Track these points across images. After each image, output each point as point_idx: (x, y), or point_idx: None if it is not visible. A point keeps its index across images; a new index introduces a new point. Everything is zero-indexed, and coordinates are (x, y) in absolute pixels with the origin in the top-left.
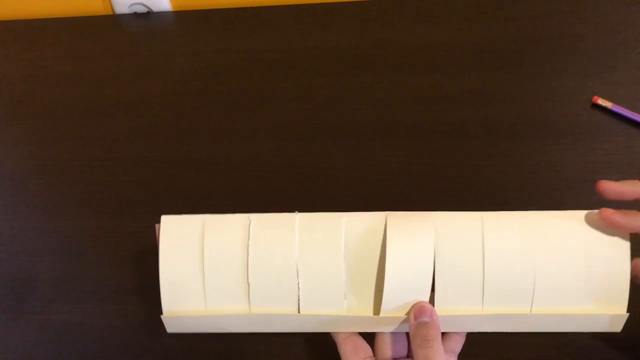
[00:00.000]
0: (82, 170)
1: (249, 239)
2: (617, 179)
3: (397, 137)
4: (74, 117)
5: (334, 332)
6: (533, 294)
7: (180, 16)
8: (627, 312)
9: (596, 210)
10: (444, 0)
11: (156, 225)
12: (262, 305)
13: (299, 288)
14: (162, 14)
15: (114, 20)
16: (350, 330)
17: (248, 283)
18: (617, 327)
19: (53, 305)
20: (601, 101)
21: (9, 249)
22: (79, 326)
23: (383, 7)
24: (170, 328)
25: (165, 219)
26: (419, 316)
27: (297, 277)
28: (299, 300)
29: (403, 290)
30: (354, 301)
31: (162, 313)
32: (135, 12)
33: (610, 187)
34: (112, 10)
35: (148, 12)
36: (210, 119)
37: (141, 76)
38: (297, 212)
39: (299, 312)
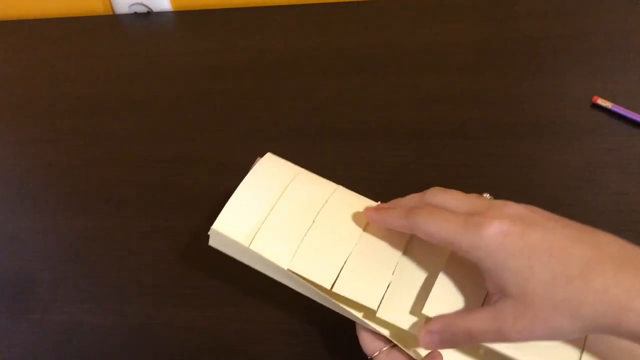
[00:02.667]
0: (82, 170)
1: (325, 202)
2: (617, 179)
3: (397, 137)
4: (74, 117)
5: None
6: None
7: (180, 16)
8: None
9: None
10: (444, 0)
11: (257, 158)
12: (302, 266)
13: (344, 265)
14: (162, 14)
15: (114, 20)
16: (372, 328)
17: (302, 240)
18: None
19: (53, 305)
20: (601, 101)
21: (9, 249)
22: (79, 326)
23: (383, 7)
24: (213, 241)
25: (269, 156)
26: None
27: (348, 256)
28: (337, 276)
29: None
30: (390, 302)
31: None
32: (135, 12)
33: (371, 217)
34: (112, 10)
35: (148, 12)
36: (210, 119)
37: (141, 76)
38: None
39: (331, 288)
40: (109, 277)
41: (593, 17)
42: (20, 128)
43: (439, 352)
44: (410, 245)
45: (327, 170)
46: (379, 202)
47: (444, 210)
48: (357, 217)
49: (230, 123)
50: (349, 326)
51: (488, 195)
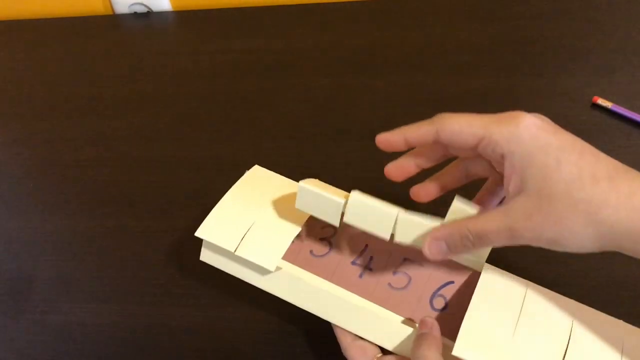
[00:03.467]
0: (82, 170)
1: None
2: None
3: None
4: (74, 117)
5: (341, 335)
6: None
7: (180, 16)
8: None
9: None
10: (444, 0)
11: (246, 171)
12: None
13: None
14: (162, 14)
15: (114, 20)
16: (360, 334)
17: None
18: None
19: (53, 305)
20: (601, 101)
21: (9, 249)
22: (79, 326)
23: (383, 7)
24: (204, 256)
25: (256, 168)
26: (421, 329)
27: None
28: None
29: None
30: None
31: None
32: (135, 12)
33: (384, 139)
34: (112, 10)
35: (148, 12)
36: (210, 118)
37: (141, 76)
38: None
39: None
40: (109, 277)
41: (593, 17)
42: (20, 128)
43: (433, 320)
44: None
45: (326, 170)
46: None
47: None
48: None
49: (230, 123)
50: None
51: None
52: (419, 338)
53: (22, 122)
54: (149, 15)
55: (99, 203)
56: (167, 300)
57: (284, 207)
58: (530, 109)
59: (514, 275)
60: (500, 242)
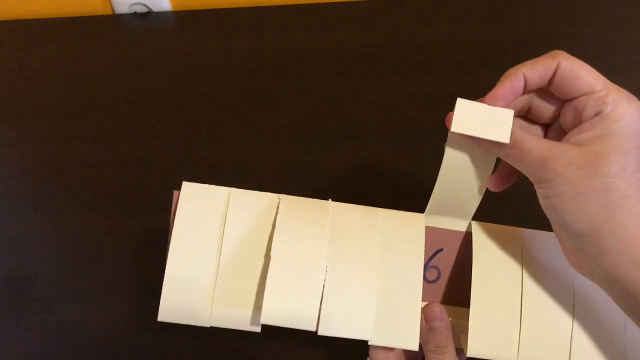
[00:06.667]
0: (82, 170)
1: (272, 227)
2: None
3: (397, 137)
4: (74, 117)
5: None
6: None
7: (180, 16)
8: None
9: None
10: (443, 0)
11: (174, 192)
12: (278, 304)
13: (321, 304)
14: (162, 14)
15: (114, 20)
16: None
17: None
18: None
19: (53, 305)
20: None
21: (9, 249)
22: (79, 326)
23: (383, 7)
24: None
25: (187, 186)
26: (430, 321)
27: (323, 289)
28: (319, 318)
29: None
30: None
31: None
32: (135, 12)
33: (500, 92)
34: (112, 10)
35: (148, 12)
36: (210, 119)
37: (141, 76)
38: (329, 199)
39: (316, 332)
40: (109, 277)
41: (593, 17)
42: (20, 128)
43: (441, 308)
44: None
45: (326, 170)
46: (329, 200)
47: None
48: (317, 231)
49: (230, 123)
50: None
51: None
52: (431, 333)
53: (22, 122)
54: (149, 15)
55: (99, 203)
56: None
57: (240, 237)
58: None
59: (504, 227)
60: (529, 170)
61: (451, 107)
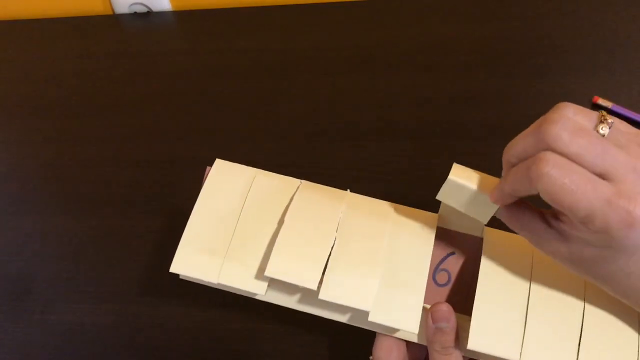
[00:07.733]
0: (82, 170)
1: (290, 202)
2: None
3: (397, 137)
4: (74, 117)
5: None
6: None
7: (180, 16)
8: None
9: None
10: (443, 0)
11: (207, 168)
12: (285, 261)
13: (325, 269)
14: (162, 14)
15: (114, 20)
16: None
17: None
18: None
19: (53, 305)
20: (601, 101)
21: (9, 249)
22: (79, 326)
23: (383, 7)
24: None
25: (219, 163)
26: (438, 321)
27: (329, 257)
28: (320, 281)
29: None
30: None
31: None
32: (135, 12)
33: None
34: (112, 10)
35: (148, 12)
36: (210, 118)
37: (141, 76)
38: (348, 190)
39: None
40: (109, 277)
41: (592, 17)
42: (20, 128)
43: (449, 309)
44: (393, 232)
45: (326, 170)
46: (348, 190)
47: (576, 168)
48: (331, 210)
49: (230, 123)
50: (351, 327)
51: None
52: (437, 334)
53: (22, 122)
54: (149, 15)
55: (99, 203)
56: (167, 300)
57: (259, 207)
58: (530, 109)
59: (516, 236)
60: (547, 249)
61: (451, 107)
